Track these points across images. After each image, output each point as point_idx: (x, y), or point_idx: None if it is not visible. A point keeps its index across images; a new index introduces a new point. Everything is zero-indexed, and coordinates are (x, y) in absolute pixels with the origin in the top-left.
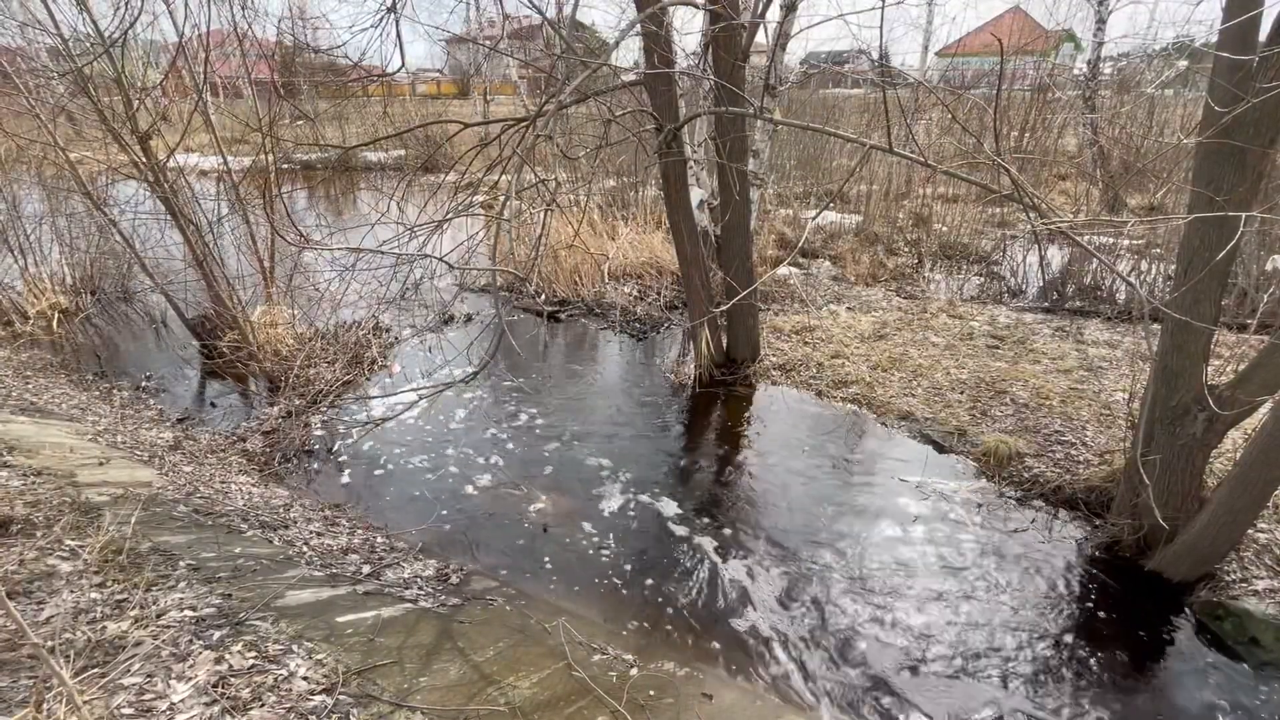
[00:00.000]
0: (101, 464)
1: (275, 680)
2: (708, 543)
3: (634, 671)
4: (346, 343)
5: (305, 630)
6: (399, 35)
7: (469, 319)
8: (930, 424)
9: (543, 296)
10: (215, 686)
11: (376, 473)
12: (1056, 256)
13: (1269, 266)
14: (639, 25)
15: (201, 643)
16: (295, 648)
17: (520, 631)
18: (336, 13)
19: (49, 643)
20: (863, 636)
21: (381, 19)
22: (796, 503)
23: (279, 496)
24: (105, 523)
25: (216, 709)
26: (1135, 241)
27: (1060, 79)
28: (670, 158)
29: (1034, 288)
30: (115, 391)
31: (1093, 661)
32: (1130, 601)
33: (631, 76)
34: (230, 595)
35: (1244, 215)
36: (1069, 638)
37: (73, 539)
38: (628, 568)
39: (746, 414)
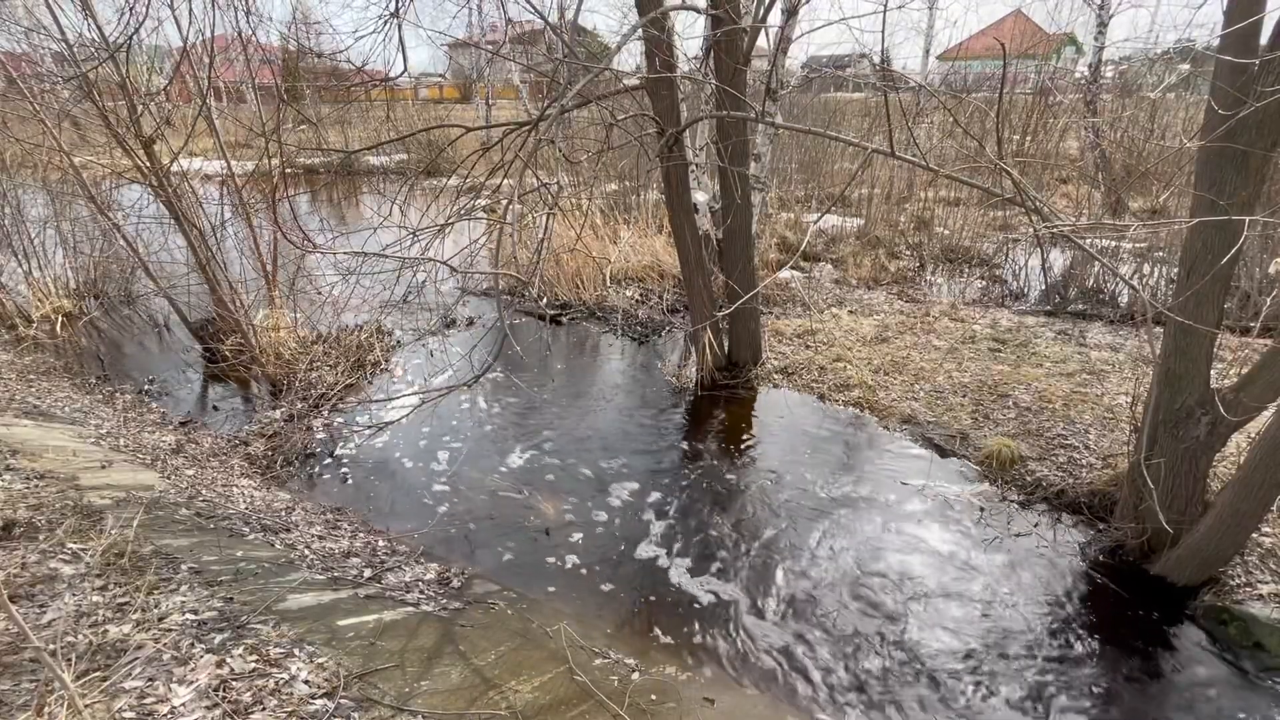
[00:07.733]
0: (104, 467)
1: (276, 684)
2: (710, 547)
3: (636, 676)
4: (349, 346)
5: (306, 634)
6: (401, 40)
7: (471, 323)
8: (933, 427)
9: (545, 300)
10: (216, 690)
11: (378, 476)
12: (1059, 260)
13: (1272, 269)
14: (640, 29)
15: (203, 646)
16: (296, 651)
17: (522, 635)
18: (339, 18)
19: (51, 646)
20: (865, 641)
21: (384, 24)
22: (799, 507)
23: (281, 500)
24: (108, 526)
25: (218, 713)
26: (1138, 245)
27: (1062, 82)
28: (672, 161)
29: (1036, 291)
30: (118, 395)
31: (1096, 665)
32: (1134, 606)
33: (633, 81)
34: (232, 599)
35: (1247, 219)
36: (1072, 642)
37: (75, 542)
38: (629, 572)
39: (748, 417)
